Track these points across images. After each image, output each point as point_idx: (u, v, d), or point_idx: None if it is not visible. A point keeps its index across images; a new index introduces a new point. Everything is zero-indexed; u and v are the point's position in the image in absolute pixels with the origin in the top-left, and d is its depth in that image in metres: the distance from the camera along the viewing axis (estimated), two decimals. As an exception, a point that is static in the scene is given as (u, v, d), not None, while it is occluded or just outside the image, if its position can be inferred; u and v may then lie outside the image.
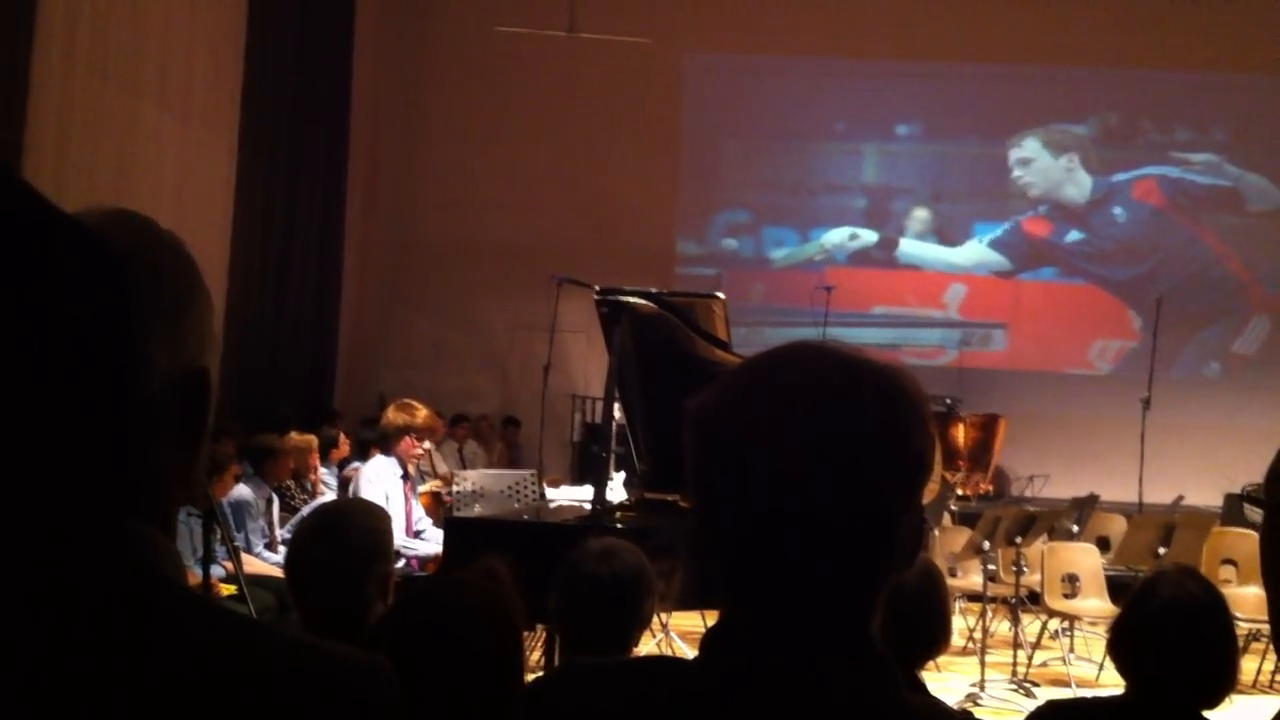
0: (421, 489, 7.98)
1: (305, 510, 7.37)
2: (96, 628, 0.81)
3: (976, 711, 6.47)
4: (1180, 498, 10.92)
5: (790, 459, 1.01)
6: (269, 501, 7.48)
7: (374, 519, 2.85)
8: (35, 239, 0.80)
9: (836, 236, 14.72)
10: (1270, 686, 7.76)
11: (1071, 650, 7.87)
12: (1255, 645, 8.02)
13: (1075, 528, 8.37)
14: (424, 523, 6.79)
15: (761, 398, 1.05)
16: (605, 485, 5.75)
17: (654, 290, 6.12)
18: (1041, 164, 14.59)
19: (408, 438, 6.51)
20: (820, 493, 1.01)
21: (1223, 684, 2.46)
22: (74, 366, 0.80)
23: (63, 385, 0.80)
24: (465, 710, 2.07)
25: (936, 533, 9.05)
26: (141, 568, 0.85)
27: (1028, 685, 7.33)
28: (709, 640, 1.07)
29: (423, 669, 2.00)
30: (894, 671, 1.05)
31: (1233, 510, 9.00)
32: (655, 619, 6.99)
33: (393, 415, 6.61)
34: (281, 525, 7.51)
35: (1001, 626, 8.45)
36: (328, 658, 0.87)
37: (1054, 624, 8.35)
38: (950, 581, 7.76)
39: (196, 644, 0.83)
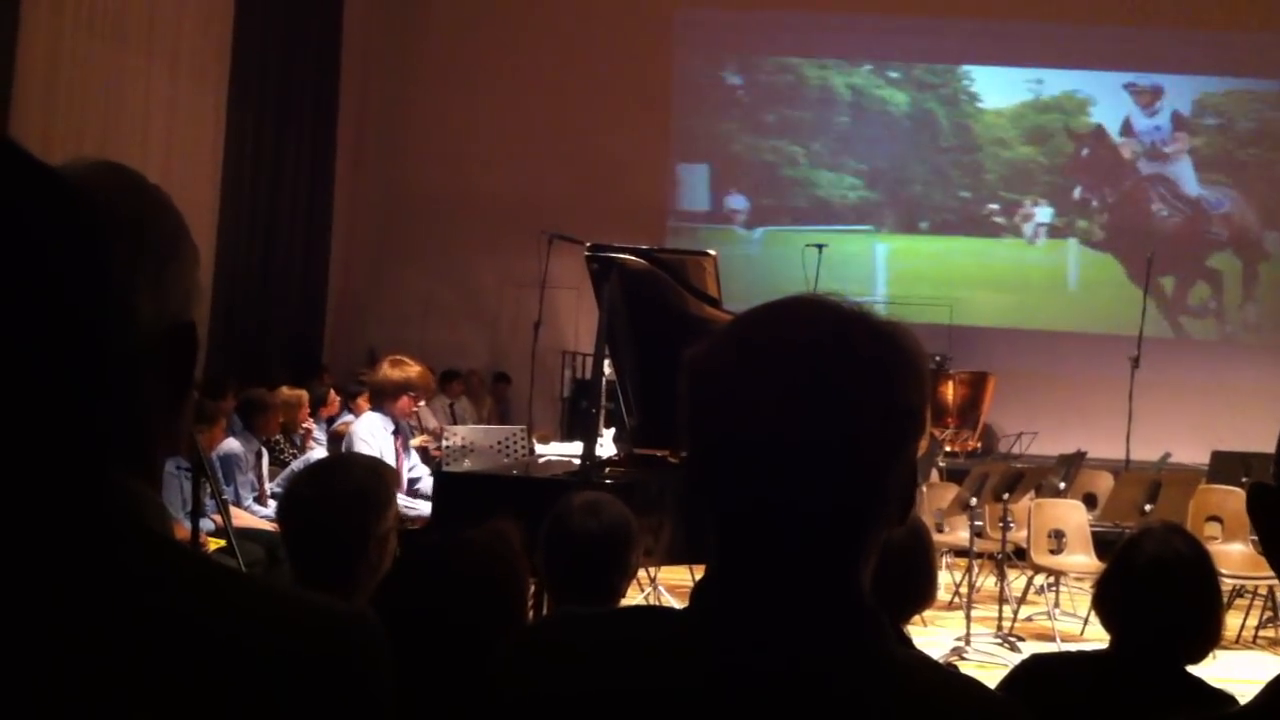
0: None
1: (296, 464, 7.37)
2: (78, 584, 0.80)
3: (962, 665, 6.52)
4: (1167, 455, 10.95)
5: (785, 431, 1.00)
6: (258, 455, 7.49)
7: (374, 474, 2.78)
8: (7, 190, 0.78)
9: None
10: (1254, 642, 7.83)
11: (1057, 605, 7.94)
12: (1240, 601, 8.09)
13: (1062, 484, 8.41)
14: (419, 470, 6.69)
15: (755, 366, 1.04)
16: (595, 441, 5.75)
17: (644, 247, 6.10)
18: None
19: (406, 396, 6.38)
20: (815, 461, 1.00)
21: (1207, 639, 2.48)
22: (49, 320, 0.78)
23: (38, 339, 0.78)
24: (462, 667, 2.07)
25: (924, 489, 9.08)
26: (124, 521, 0.84)
27: (1013, 639, 7.38)
28: (698, 596, 1.06)
29: (422, 638, 2.00)
30: (886, 628, 1.05)
31: (1219, 467, 9.02)
32: (644, 572, 7.04)
33: (389, 371, 6.39)
34: (271, 479, 7.52)
35: (987, 582, 8.50)
36: (315, 611, 0.87)
37: (1040, 579, 8.40)
38: (937, 537, 7.81)
39: (180, 598, 0.82)
